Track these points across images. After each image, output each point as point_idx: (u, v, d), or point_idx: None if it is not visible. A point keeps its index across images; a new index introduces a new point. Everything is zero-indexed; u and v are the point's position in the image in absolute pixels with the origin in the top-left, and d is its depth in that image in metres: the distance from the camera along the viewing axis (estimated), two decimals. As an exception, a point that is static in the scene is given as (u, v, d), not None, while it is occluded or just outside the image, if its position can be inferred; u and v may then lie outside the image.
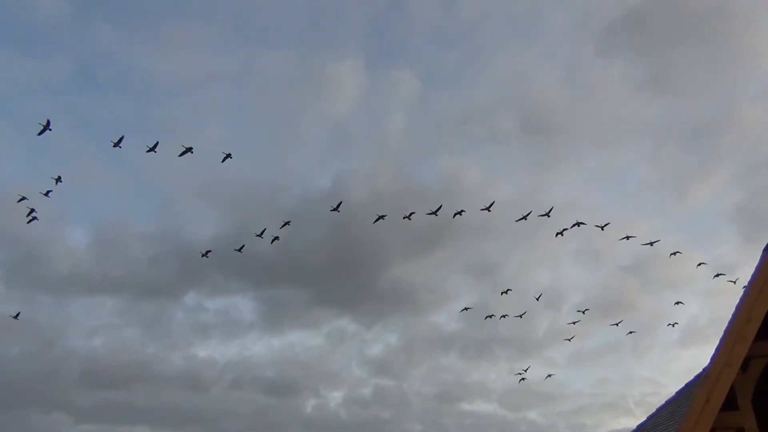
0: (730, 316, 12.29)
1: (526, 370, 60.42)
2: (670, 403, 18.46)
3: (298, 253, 70.95)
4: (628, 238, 49.46)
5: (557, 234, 47.92)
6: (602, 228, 48.36)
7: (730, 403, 12.41)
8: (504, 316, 53.56)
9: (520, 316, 53.44)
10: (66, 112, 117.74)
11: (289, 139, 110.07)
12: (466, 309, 60.94)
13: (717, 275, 49.96)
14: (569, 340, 58.59)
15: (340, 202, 44.82)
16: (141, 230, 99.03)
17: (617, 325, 54.79)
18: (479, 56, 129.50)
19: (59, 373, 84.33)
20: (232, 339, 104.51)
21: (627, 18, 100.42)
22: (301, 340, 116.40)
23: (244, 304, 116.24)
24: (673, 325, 56.04)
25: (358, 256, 79.99)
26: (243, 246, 47.37)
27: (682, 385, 18.36)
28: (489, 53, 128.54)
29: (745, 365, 12.58)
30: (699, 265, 51.17)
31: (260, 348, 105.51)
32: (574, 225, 46.89)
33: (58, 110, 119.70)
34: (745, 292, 12.04)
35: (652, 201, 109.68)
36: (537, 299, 55.51)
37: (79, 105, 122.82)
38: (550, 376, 63.82)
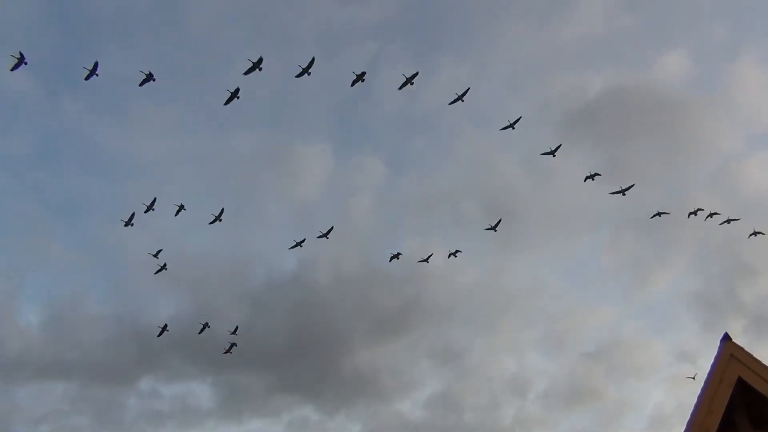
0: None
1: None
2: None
3: (260, 336, 69.47)
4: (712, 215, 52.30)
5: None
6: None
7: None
8: None
9: None
10: (25, 186, 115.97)
11: (254, 220, 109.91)
12: None
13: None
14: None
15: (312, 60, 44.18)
16: (96, 311, 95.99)
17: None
18: (442, 142, 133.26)
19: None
20: (187, 428, 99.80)
21: (583, 111, 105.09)
22: (261, 429, 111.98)
23: (201, 390, 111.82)
24: None
25: (321, 340, 78.62)
26: (205, 326, 46.52)
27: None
28: (451, 139, 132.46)
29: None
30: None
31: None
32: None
33: (16, 185, 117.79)
34: (704, 384, 12.15)
35: (613, 287, 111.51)
36: None
37: (40, 180, 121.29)
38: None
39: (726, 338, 12.80)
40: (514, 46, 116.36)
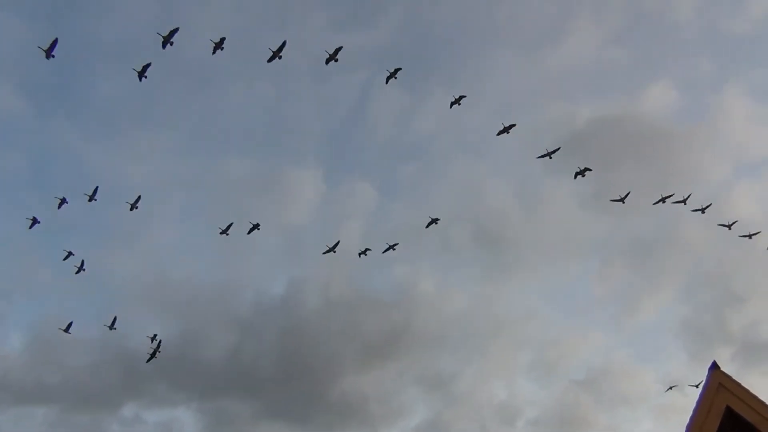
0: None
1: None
2: None
3: (247, 361, 68.76)
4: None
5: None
6: None
7: None
8: None
9: None
10: (12, 208, 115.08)
11: (243, 243, 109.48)
12: None
13: (670, 388, 50.70)
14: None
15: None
16: (81, 335, 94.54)
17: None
18: (433, 169, 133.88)
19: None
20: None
21: (572, 140, 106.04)
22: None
23: (186, 417, 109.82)
24: None
25: (309, 365, 77.87)
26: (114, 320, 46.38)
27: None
28: (443, 167, 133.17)
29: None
30: None
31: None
32: None
33: (3, 205, 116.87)
34: (693, 413, 12.13)
35: (602, 315, 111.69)
36: None
37: (27, 201, 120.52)
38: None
39: (714, 367, 12.82)
40: (505, 75, 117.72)
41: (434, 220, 48.77)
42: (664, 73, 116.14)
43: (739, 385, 12.59)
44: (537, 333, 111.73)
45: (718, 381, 12.60)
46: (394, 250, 50.14)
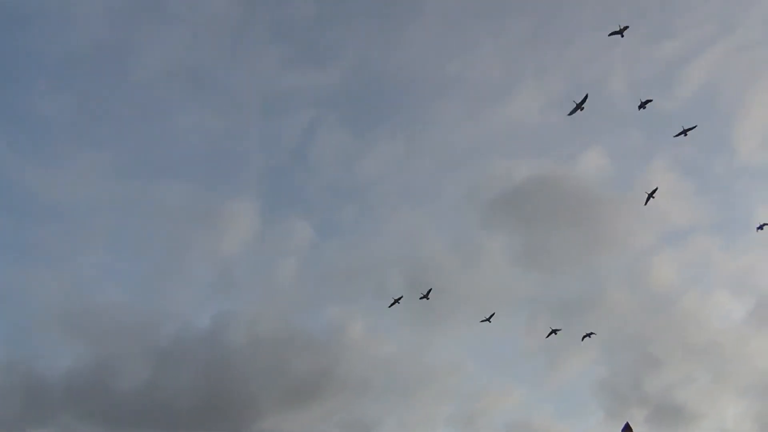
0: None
1: None
2: None
3: (165, 395, 66.26)
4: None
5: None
6: None
7: None
8: None
9: None
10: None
11: (173, 272, 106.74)
12: None
13: None
14: None
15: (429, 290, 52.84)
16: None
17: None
18: (373, 213, 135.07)
19: None
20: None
21: (507, 197, 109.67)
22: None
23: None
24: None
25: (230, 403, 75.54)
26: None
27: None
28: (383, 211, 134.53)
29: None
30: None
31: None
32: None
33: None
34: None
35: (526, 370, 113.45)
36: None
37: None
38: None
39: (626, 428, 13.45)
40: (451, 127, 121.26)
41: (397, 300, 54.04)
42: (598, 140, 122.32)
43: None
44: (462, 384, 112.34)
45: (628, 441, 13.21)
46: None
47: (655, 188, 59.44)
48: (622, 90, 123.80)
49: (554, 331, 57.30)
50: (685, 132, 67.73)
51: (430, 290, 52.91)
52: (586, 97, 49.33)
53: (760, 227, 73.88)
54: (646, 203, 59.47)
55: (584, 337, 65.00)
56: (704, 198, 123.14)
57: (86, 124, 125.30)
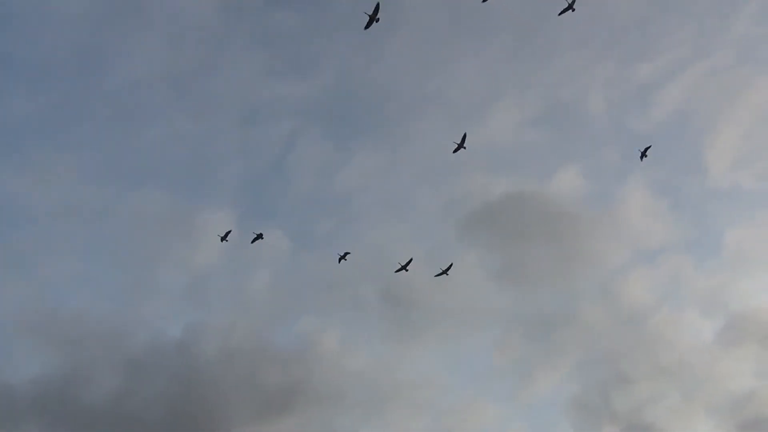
0: None
1: None
2: None
3: (135, 406, 65.12)
4: None
5: None
6: None
7: None
8: None
9: None
10: None
11: (145, 280, 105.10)
12: None
13: None
14: None
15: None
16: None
17: None
18: (350, 225, 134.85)
19: None
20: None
21: (484, 210, 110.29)
22: None
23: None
24: None
25: (200, 415, 74.52)
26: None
27: None
28: (360, 224, 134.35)
29: None
30: None
31: None
32: None
33: None
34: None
35: (499, 386, 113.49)
36: None
37: None
38: None
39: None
40: (429, 142, 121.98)
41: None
42: (574, 159, 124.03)
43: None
44: (436, 399, 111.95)
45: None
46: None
47: (410, 259, 62.60)
48: (599, 110, 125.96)
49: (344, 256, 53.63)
50: (643, 154, 69.26)
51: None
52: (377, 6, 46.24)
53: (643, 154, 71.00)
54: (397, 271, 64.13)
55: (340, 258, 64.72)
56: (677, 217, 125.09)
57: (59, 128, 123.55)
